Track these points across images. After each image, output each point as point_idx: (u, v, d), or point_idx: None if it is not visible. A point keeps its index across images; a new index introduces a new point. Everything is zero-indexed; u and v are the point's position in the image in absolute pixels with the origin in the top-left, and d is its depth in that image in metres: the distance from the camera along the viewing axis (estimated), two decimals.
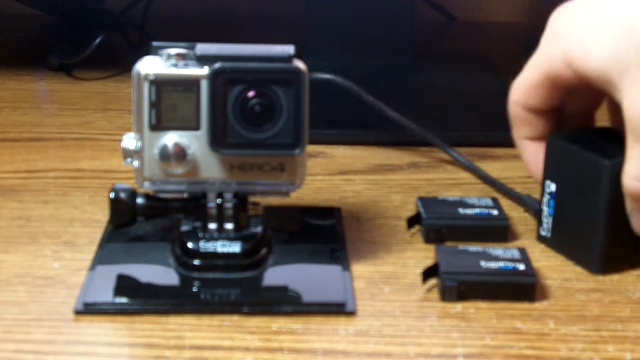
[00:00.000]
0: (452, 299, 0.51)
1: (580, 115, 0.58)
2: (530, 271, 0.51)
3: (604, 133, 0.56)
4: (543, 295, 0.52)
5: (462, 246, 0.54)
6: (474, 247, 0.54)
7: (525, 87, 0.56)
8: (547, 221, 0.57)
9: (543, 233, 0.57)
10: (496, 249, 0.53)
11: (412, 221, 0.58)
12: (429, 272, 0.52)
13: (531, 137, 0.58)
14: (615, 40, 0.50)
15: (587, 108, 0.58)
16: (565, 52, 0.53)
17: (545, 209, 0.57)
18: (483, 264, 0.52)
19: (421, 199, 0.59)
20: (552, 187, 0.56)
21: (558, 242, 0.56)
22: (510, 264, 0.52)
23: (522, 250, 0.53)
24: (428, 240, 0.57)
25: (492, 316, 0.50)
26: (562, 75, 0.53)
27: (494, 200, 0.59)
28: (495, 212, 0.58)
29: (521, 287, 0.51)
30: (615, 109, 0.54)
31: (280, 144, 0.52)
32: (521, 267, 0.52)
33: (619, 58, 0.50)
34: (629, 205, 0.52)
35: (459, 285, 0.51)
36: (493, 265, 0.52)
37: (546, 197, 0.56)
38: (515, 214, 0.61)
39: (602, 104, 0.58)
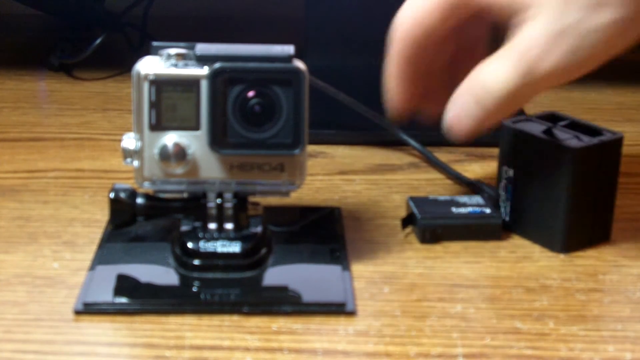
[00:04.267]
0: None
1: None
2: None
3: (548, 118, 0.59)
4: (543, 295, 0.52)
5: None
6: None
7: (419, 15, 0.55)
8: (504, 205, 0.59)
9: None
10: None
11: (406, 222, 0.58)
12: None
13: (412, 67, 0.56)
14: None
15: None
16: None
17: (502, 193, 0.59)
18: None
19: (412, 199, 0.59)
20: (510, 172, 0.58)
21: (516, 225, 0.58)
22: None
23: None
24: (423, 240, 0.57)
25: (492, 316, 0.50)
26: (461, 5, 0.54)
27: (484, 198, 0.60)
28: (487, 210, 0.58)
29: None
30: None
31: (280, 144, 0.52)
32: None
33: None
34: (458, 96, 0.53)
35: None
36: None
37: (503, 182, 0.59)
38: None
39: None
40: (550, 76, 0.51)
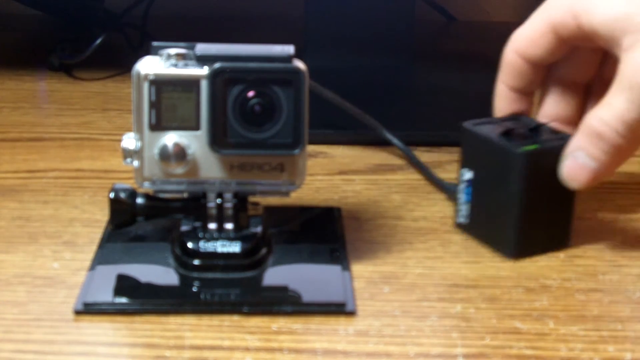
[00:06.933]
0: None
1: (568, 85, 0.59)
2: None
3: (513, 121, 0.58)
4: (543, 295, 0.52)
5: None
6: None
7: (527, 36, 0.57)
8: (464, 208, 0.58)
9: (460, 220, 0.59)
10: None
11: None
12: None
13: (515, 87, 0.59)
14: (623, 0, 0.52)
15: (577, 76, 0.59)
16: (573, 4, 0.54)
17: (461, 196, 0.58)
18: None
19: None
20: (468, 175, 0.57)
21: (475, 228, 0.58)
22: None
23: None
24: None
25: (492, 316, 0.50)
26: (566, 26, 0.55)
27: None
28: None
29: None
30: (605, 65, 0.58)
31: (280, 144, 0.52)
32: None
33: (626, 16, 0.51)
34: (573, 144, 0.53)
35: None
36: None
37: (462, 185, 0.58)
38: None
39: (592, 75, 0.59)
40: None
